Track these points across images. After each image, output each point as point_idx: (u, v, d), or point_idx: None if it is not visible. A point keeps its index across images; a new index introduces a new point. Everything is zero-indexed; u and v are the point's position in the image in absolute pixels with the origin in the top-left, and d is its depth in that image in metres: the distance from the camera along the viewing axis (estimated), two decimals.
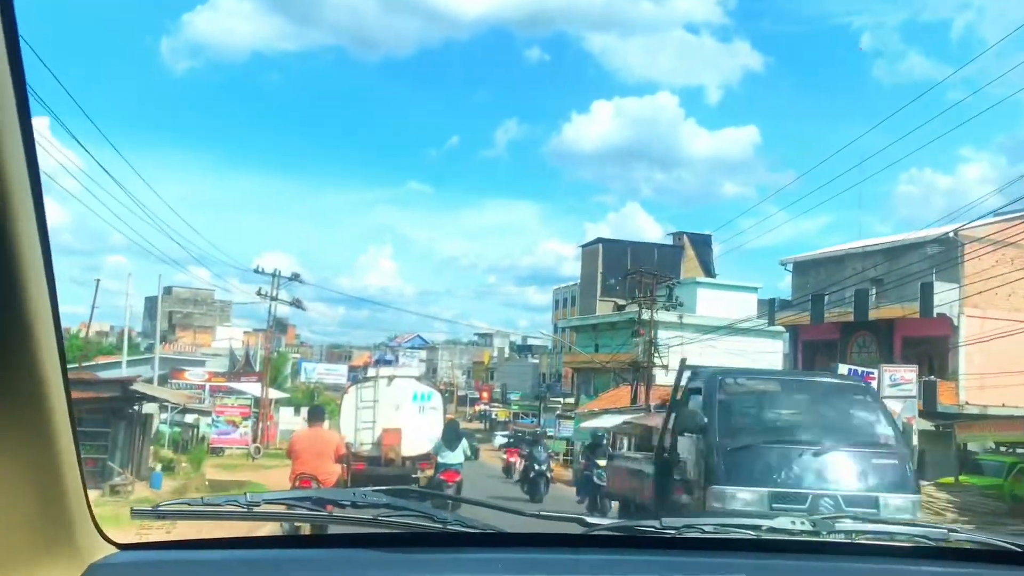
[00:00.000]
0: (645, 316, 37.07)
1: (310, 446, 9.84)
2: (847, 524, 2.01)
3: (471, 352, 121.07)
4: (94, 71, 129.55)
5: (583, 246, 65.51)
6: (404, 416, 18.11)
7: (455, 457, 14.72)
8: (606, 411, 31.86)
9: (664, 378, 33.37)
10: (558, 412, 43.28)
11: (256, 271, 37.02)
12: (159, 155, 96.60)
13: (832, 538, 1.88)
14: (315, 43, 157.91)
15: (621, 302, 66.32)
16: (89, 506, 1.54)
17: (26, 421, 1.24)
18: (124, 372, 37.69)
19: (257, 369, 65.93)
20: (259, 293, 37.39)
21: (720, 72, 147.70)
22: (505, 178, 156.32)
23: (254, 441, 34.03)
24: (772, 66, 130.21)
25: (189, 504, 1.95)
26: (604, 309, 62.23)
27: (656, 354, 34.12)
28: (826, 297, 27.92)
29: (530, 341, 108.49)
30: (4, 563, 1.30)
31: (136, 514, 1.90)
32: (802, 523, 1.91)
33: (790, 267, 32.87)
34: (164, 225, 39.39)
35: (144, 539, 1.93)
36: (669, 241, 65.74)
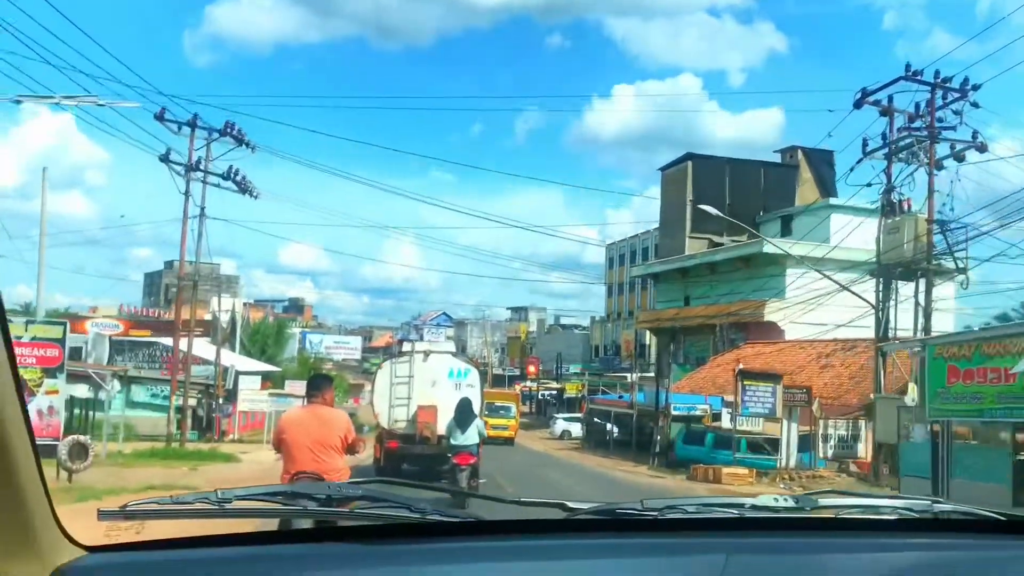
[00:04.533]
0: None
1: (307, 433, 6.62)
2: (830, 499, 1.95)
3: (503, 328, 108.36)
4: (119, 63, 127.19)
5: (663, 168, 49.63)
6: (440, 393, 17.03)
7: (468, 438, 13.49)
8: None
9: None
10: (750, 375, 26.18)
11: (159, 117, 21.29)
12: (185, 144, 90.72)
13: (815, 514, 1.85)
14: (337, 34, 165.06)
15: (719, 239, 50.70)
16: (52, 507, 1.46)
17: None
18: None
19: (238, 340, 51.17)
20: (164, 158, 21.73)
21: (743, 54, 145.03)
22: (527, 165, 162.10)
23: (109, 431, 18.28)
24: (796, 47, 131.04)
25: (159, 503, 1.84)
26: (695, 248, 46.43)
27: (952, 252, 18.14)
28: None
29: (563, 320, 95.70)
30: None
31: (103, 515, 1.77)
32: (784, 500, 1.87)
33: None
34: None
35: (113, 540, 1.77)
36: (777, 159, 49.73)
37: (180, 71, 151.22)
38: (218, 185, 22.52)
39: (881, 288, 19.51)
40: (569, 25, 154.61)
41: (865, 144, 19.78)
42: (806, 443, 20.27)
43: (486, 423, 17.15)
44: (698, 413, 24.74)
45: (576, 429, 40.12)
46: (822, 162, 48.78)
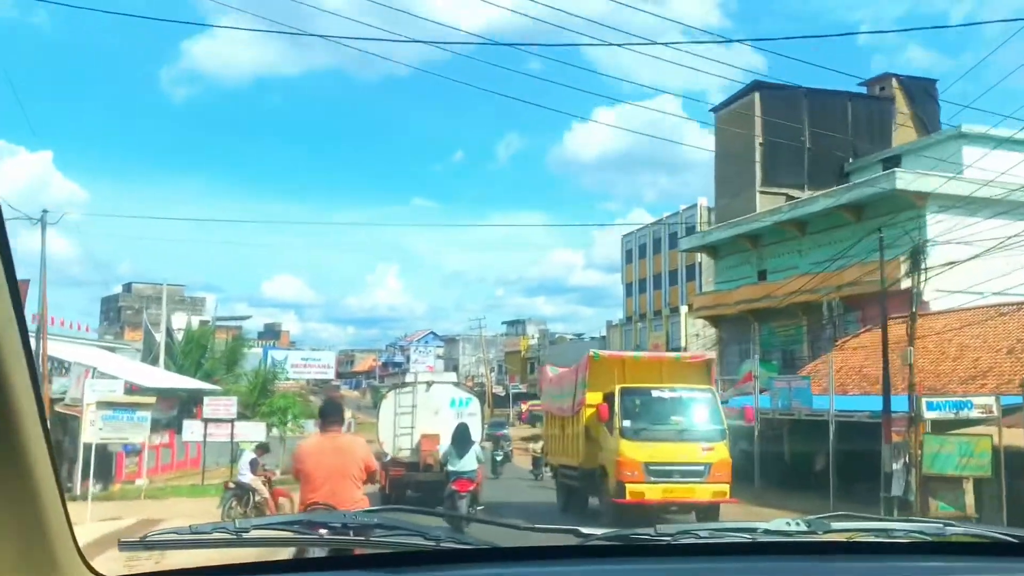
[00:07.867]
0: None
1: (322, 463, 6.27)
2: (843, 523, 1.91)
3: (499, 343, 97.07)
4: (95, 103, 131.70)
5: (717, 108, 38.22)
6: (442, 422, 17.38)
7: (466, 464, 13.64)
8: None
9: None
10: None
11: None
12: (167, 183, 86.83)
13: (828, 537, 1.83)
14: (316, 65, 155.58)
15: (796, 193, 39.44)
16: (74, 538, 1.47)
17: (2, 454, 1.19)
18: None
19: (163, 352, 39.48)
20: None
21: (722, 74, 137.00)
22: (509, 190, 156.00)
23: None
24: (774, 65, 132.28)
25: (177, 533, 1.86)
26: (766, 206, 35.00)
27: None
28: None
29: (557, 336, 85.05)
30: None
31: (123, 546, 1.82)
32: (797, 524, 1.86)
33: None
34: None
35: (132, 571, 2.03)
36: (863, 91, 38.44)
37: (161, 103, 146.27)
38: None
39: None
40: (548, 51, 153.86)
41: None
42: None
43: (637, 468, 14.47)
44: (976, 415, 13.27)
45: None
46: (923, 93, 37.72)
